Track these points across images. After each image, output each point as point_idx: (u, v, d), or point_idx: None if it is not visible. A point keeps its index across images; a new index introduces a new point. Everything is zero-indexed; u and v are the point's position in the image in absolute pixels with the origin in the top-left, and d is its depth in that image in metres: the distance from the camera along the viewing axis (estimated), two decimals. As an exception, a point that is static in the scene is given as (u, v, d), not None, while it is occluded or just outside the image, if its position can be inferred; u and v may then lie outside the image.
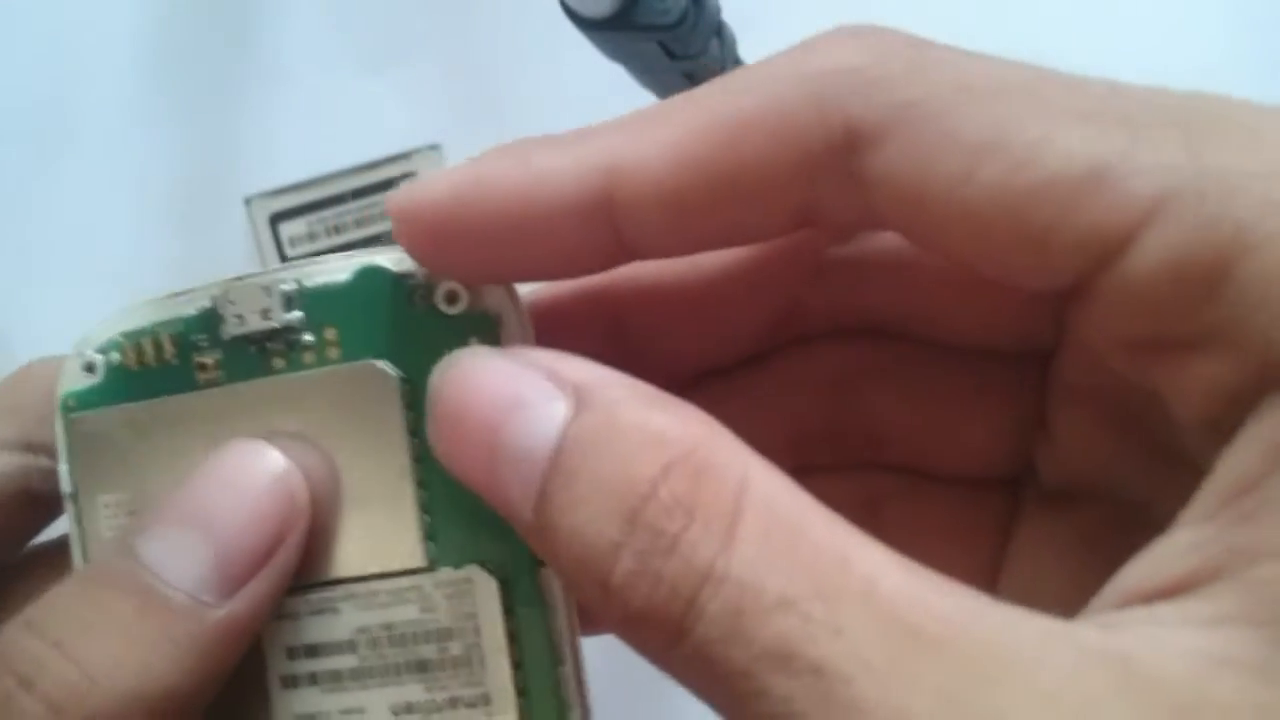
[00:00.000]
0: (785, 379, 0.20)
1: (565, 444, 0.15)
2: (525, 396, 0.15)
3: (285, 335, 0.18)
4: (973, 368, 0.19)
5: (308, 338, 0.18)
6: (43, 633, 0.16)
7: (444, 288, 0.18)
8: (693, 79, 0.36)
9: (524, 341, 0.18)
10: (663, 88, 0.38)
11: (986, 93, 0.15)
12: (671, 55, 0.32)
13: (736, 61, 0.38)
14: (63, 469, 0.19)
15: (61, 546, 0.20)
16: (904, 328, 0.20)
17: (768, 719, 0.13)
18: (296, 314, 0.18)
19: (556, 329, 0.19)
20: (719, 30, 0.35)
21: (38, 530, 0.21)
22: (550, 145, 0.16)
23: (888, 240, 0.19)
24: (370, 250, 0.18)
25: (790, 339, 0.20)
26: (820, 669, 0.13)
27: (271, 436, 0.18)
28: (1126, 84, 0.15)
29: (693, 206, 0.16)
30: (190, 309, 0.19)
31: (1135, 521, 0.17)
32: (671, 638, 0.14)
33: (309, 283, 0.18)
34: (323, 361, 0.18)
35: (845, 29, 0.16)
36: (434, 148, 0.43)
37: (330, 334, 0.18)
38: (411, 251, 0.17)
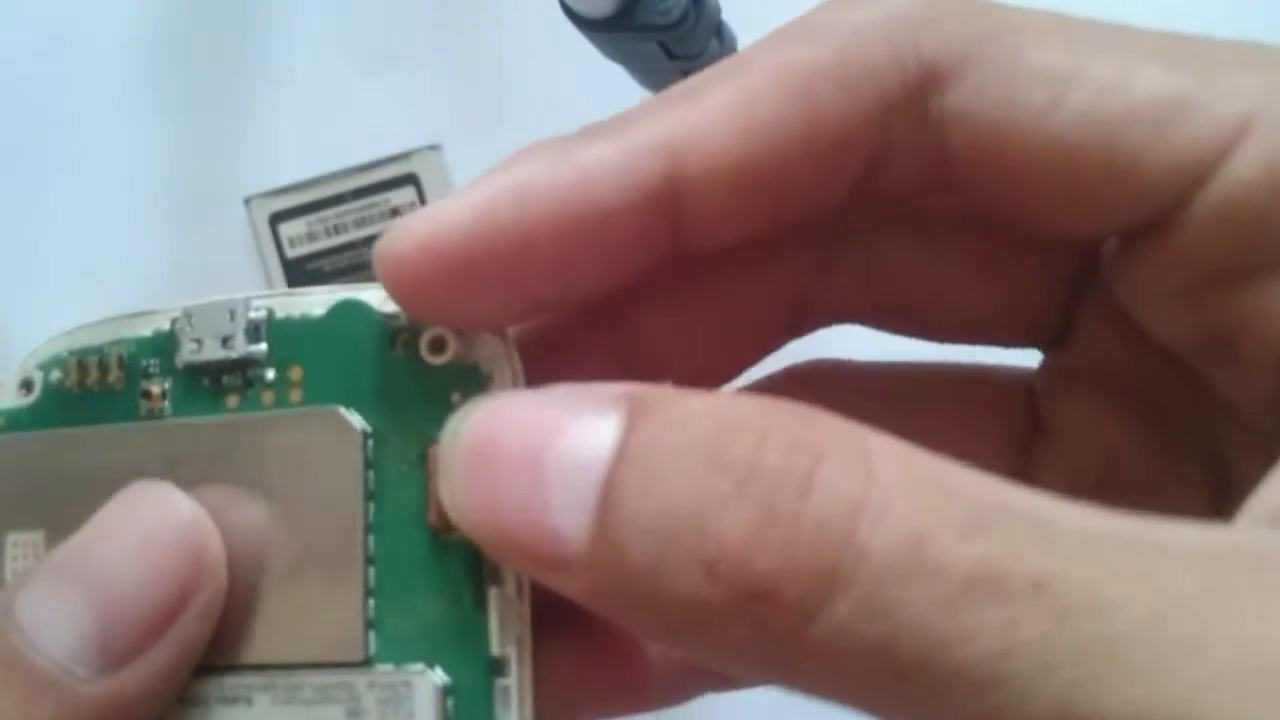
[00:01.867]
0: None
1: (630, 446, 0.12)
2: (570, 416, 0.13)
3: (245, 369, 0.16)
4: (960, 390, 0.19)
5: (269, 375, 0.16)
6: None
7: (430, 333, 0.15)
8: (693, 79, 0.36)
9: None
10: (663, 88, 0.38)
11: (1056, 30, 0.15)
12: (671, 55, 0.32)
13: (736, 61, 0.38)
14: None
15: None
16: (908, 324, 0.19)
17: (981, 664, 0.10)
18: (260, 346, 0.16)
19: (548, 353, 0.17)
20: (719, 30, 0.35)
21: None
22: (591, 138, 0.15)
23: (900, 226, 0.18)
24: (355, 286, 0.16)
25: (798, 334, 0.19)
26: (1044, 582, 0.10)
27: (191, 484, 0.16)
28: (1183, 33, 0.15)
29: (765, 175, 0.15)
30: (146, 330, 0.17)
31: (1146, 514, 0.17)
32: (822, 597, 0.11)
33: (280, 313, 0.16)
34: (282, 404, 0.16)
35: None
36: (434, 148, 0.43)
37: (295, 373, 0.16)
38: (415, 307, 0.15)
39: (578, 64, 0.35)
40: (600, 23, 0.29)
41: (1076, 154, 0.14)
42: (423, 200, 0.42)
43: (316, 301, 0.16)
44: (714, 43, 0.34)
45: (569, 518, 0.12)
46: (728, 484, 0.11)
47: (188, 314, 0.16)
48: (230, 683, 0.15)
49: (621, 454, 0.12)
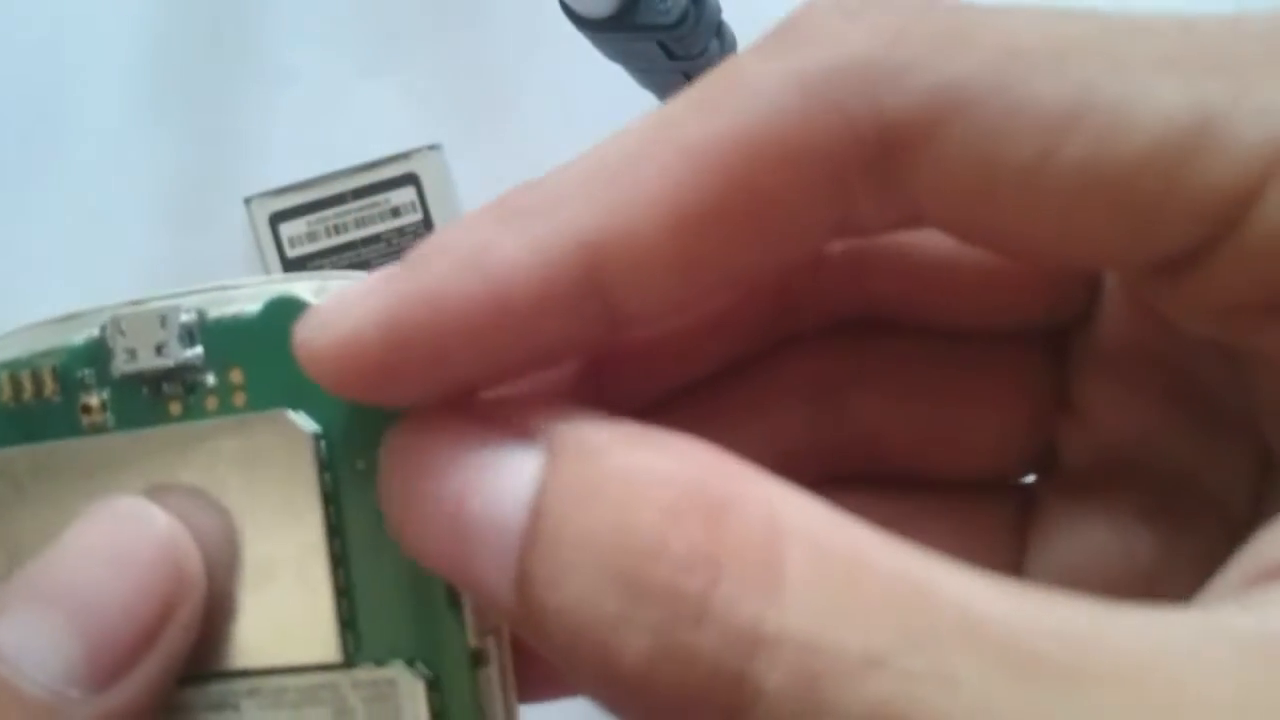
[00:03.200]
0: (764, 392, 0.18)
1: (542, 503, 0.12)
2: (488, 455, 0.13)
3: (183, 375, 0.16)
4: (976, 354, 0.17)
5: (209, 379, 0.16)
6: None
7: None
8: (692, 79, 0.36)
9: None
10: (663, 88, 0.38)
11: (1047, 53, 0.12)
12: (671, 55, 0.32)
13: (736, 61, 0.38)
14: None
15: None
16: (911, 316, 0.17)
17: None
18: (196, 350, 0.16)
19: None
20: (719, 30, 0.35)
21: None
22: (504, 229, 0.13)
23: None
24: (288, 277, 0.16)
25: (781, 338, 0.18)
26: None
27: (155, 493, 0.15)
28: (1199, 17, 0.13)
29: (702, 263, 0.13)
30: (76, 338, 0.16)
31: (1182, 495, 0.16)
32: None
33: (213, 314, 0.16)
34: (226, 409, 0.16)
35: (825, 4, 0.13)
36: (434, 148, 0.43)
37: (236, 376, 0.16)
38: (343, 395, 0.14)
39: (578, 64, 0.35)
40: (600, 23, 0.29)
41: (1079, 207, 0.12)
42: (423, 200, 0.42)
43: (248, 297, 0.16)
44: (714, 43, 0.34)
45: (492, 576, 0.12)
46: (618, 602, 0.11)
47: (117, 321, 0.16)
48: (215, 690, 0.15)
49: (534, 524, 0.12)
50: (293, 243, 0.43)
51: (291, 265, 0.43)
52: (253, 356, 0.15)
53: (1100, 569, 0.16)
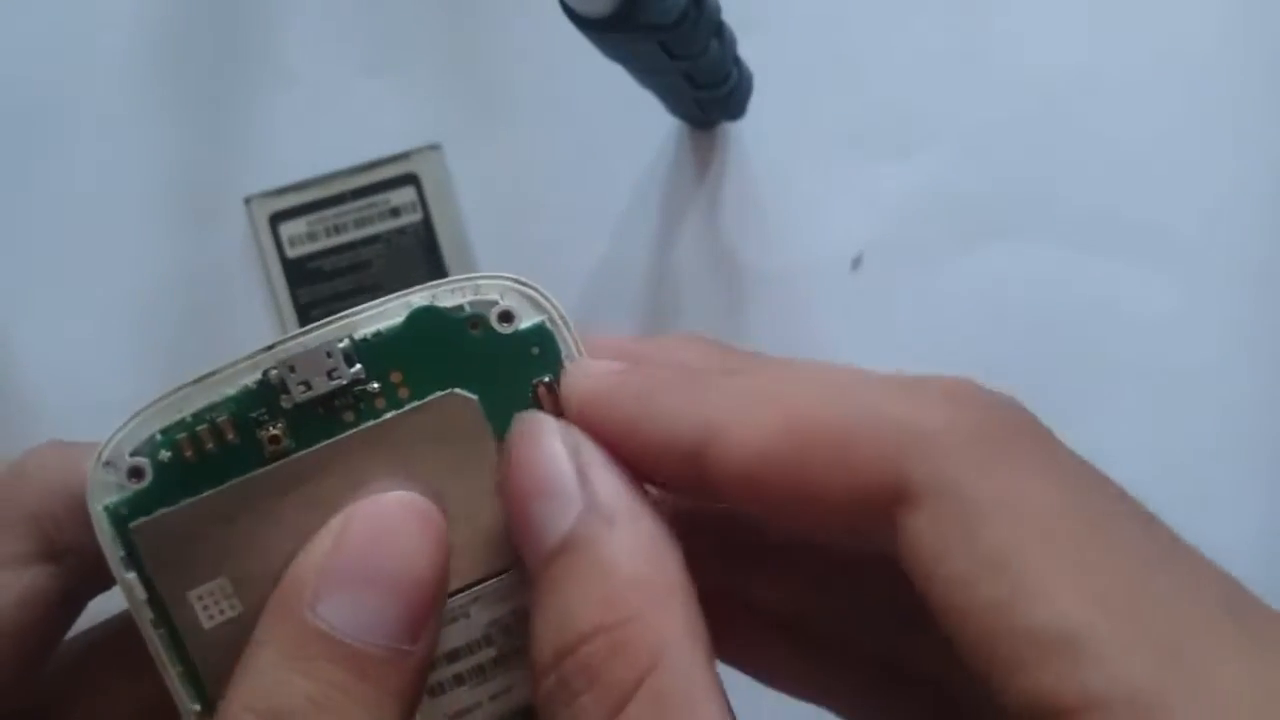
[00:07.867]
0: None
1: (563, 549, 0.17)
2: (551, 486, 0.18)
3: (351, 390, 0.19)
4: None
5: (374, 386, 0.19)
6: (283, 718, 0.17)
7: (496, 310, 0.20)
8: (692, 79, 0.36)
9: (577, 346, 0.20)
10: (663, 88, 0.38)
11: (1034, 528, 0.15)
12: (671, 55, 0.32)
13: (736, 61, 0.38)
14: (130, 577, 0.19)
15: (97, 643, 0.21)
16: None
17: None
18: (358, 367, 0.19)
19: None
20: (719, 30, 0.35)
21: (65, 630, 0.21)
22: (672, 388, 0.18)
23: None
24: (403, 294, 0.20)
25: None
26: None
27: (397, 481, 0.19)
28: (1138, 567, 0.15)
29: (771, 490, 0.17)
30: (231, 388, 0.19)
31: (895, 674, 0.21)
32: None
33: (359, 335, 0.19)
34: (394, 404, 0.19)
35: (959, 389, 0.17)
36: (434, 148, 0.43)
37: (396, 377, 0.19)
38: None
39: (578, 64, 0.35)
40: (600, 23, 0.29)
41: (976, 638, 0.15)
42: (423, 200, 0.42)
43: (384, 314, 0.20)
44: (714, 43, 0.34)
45: (531, 558, 0.18)
46: (550, 657, 0.17)
47: (285, 363, 0.19)
48: (450, 608, 0.20)
49: (558, 551, 0.17)
50: (293, 242, 0.43)
51: (291, 265, 0.43)
52: (407, 359, 0.19)
53: None
